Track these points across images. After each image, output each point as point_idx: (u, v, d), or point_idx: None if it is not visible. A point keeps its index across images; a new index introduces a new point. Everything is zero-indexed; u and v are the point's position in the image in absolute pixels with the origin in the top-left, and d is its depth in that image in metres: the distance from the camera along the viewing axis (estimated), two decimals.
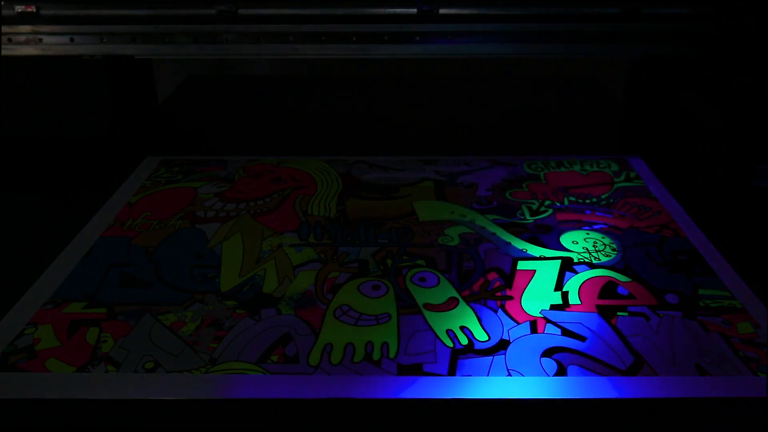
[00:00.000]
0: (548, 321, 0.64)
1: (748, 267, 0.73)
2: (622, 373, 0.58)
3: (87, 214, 0.84)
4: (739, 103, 0.90)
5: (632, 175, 0.95)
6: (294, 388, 0.56)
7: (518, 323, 0.64)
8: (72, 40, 0.98)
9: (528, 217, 0.84)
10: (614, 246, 0.77)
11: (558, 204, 0.87)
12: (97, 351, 0.60)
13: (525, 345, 0.61)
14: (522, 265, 0.73)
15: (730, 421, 0.55)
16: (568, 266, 0.73)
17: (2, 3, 0.96)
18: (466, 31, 0.98)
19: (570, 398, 0.56)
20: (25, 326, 0.64)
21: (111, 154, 1.01)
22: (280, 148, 1.04)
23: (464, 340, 0.62)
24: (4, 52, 0.97)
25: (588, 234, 0.80)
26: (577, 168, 0.97)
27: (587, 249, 0.76)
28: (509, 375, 0.58)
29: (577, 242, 0.78)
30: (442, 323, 0.64)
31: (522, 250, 0.76)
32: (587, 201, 0.87)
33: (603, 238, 0.79)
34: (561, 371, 0.58)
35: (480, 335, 0.62)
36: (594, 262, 0.74)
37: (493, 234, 0.79)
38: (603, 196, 0.89)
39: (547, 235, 0.79)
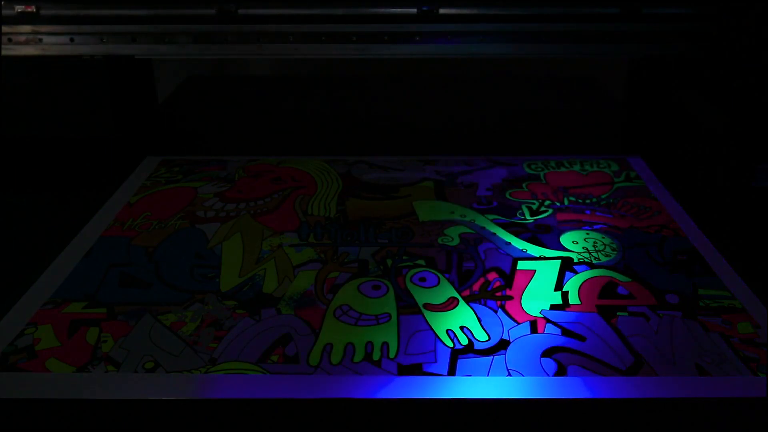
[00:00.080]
0: (548, 321, 0.64)
1: (748, 267, 0.73)
2: (622, 373, 0.58)
3: (87, 214, 0.84)
4: (739, 103, 0.90)
5: (632, 175, 0.95)
6: (294, 388, 0.56)
7: (518, 323, 0.64)
8: (72, 40, 0.98)
9: (528, 217, 0.84)
10: (614, 246, 0.77)
11: (558, 204, 0.87)
12: (97, 351, 0.60)
13: (525, 345, 0.61)
14: (522, 265, 0.73)
15: (730, 421, 0.55)
16: (568, 266, 0.73)
17: (2, 3, 0.96)
18: (466, 31, 0.98)
19: (570, 398, 0.56)
20: (25, 326, 0.64)
21: (111, 154, 1.01)
22: (280, 148, 1.04)
23: (464, 340, 0.62)
24: (4, 52, 0.97)
25: (588, 234, 0.80)
26: (577, 168, 0.97)
27: (587, 249, 0.76)
28: (509, 375, 0.58)
29: (577, 242, 0.78)
30: (442, 323, 0.64)
31: (522, 250, 0.76)
32: (587, 201, 0.87)
33: (603, 238, 0.79)
34: (561, 371, 0.58)
35: (480, 335, 0.62)
36: (594, 262, 0.74)
37: (493, 234, 0.79)
38: (603, 196, 0.89)
39: (547, 235, 0.79)
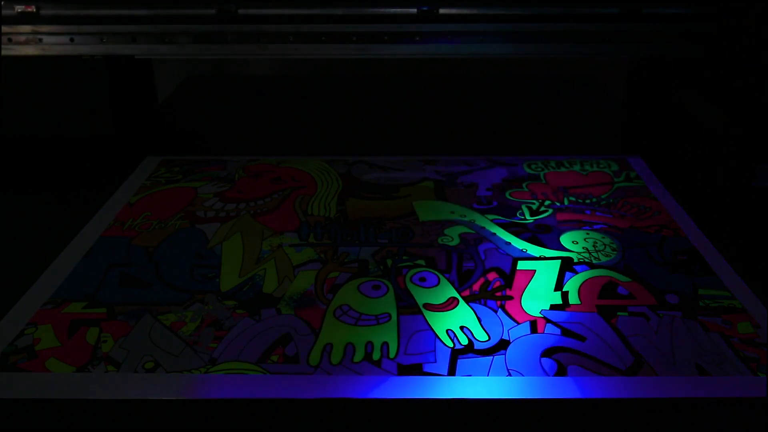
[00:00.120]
0: (548, 321, 0.64)
1: (748, 267, 0.73)
2: (622, 373, 0.58)
3: (87, 214, 0.84)
4: (739, 103, 0.90)
5: (632, 175, 0.95)
6: (294, 388, 0.56)
7: (518, 323, 0.64)
8: (72, 40, 0.98)
9: (528, 217, 0.84)
10: (614, 246, 0.77)
11: (558, 204, 0.87)
12: (97, 351, 0.60)
13: (525, 345, 0.61)
14: (522, 265, 0.73)
15: (730, 421, 0.55)
16: (568, 266, 0.73)
17: (2, 3, 0.96)
18: (466, 31, 0.98)
19: (570, 398, 0.56)
20: (25, 326, 0.64)
21: (111, 154, 1.01)
22: (280, 148, 1.04)
23: (464, 340, 0.62)
24: (4, 52, 0.97)
25: (588, 234, 0.80)
26: (577, 168, 0.97)
27: (587, 249, 0.76)
28: (509, 375, 0.58)
29: (577, 242, 0.78)
30: (442, 323, 0.64)
31: (522, 250, 0.76)
32: (587, 201, 0.87)
33: (603, 238, 0.79)
34: (561, 371, 0.58)
35: (480, 335, 0.62)
36: (594, 262, 0.74)
37: (493, 234, 0.79)
38: (603, 196, 0.89)
39: (547, 235, 0.79)
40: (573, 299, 0.68)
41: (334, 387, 0.57)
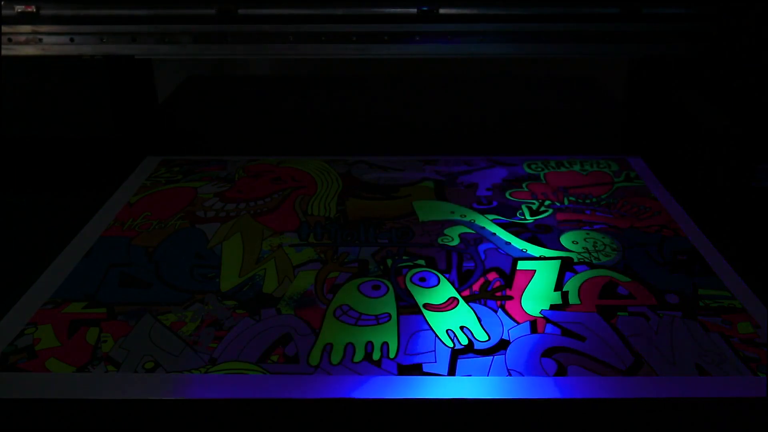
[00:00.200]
0: (548, 321, 0.64)
1: (748, 267, 0.73)
2: (622, 373, 0.58)
3: (87, 214, 0.84)
4: (739, 103, 0.90)
5: (632, 175, 0.95)
6: (294, 388, 0.56)
7: (518, 323, 0.64)
8: (72, 40, 0.98)
9: (528, 217, 0.84)
10: (614, 246, 0.77)
11: (558, 204, 0.87)
12: (97, 351, 0.60)
13: (525, 345, 0.61)
14: (522, 265, 0.73)
15: (730, 421, 0.55)
16: (568, 266, 0.73)
17: (2, 3, 0.96)
18: (466, 31, 0.98)
19: (570, 398, 0.56)
20: (25, 326, 0.64)
21: (111, 154, 1.01)
22: (280, 148, 1.04)
23: (464, 340, 0.62)
24: (4, 52, 0.97)
25: (588, 234, 0.80)
26: (577, 168, 0.97)
27: (587, 249, 0.76)
28: (509, 375, 0.58)
29: (577, 242, 0.78)
30: (442, 323, 0.64)
31: (522, 250, 0.76)
32: (587, 201, 0.87)
33: (603, 238, 0.79)
34: (561, 371, 0.58)
35: (480, 335, 0.62)
36: (594, 262, 0.74)
37: (493, 234, 0.79)
38: (603, 196, 0.89)
39: (547, 235, 0.79)
40: (573, 299, 0.68)
41: (334, 387, 0.57)
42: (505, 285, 0.70)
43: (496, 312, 0.65)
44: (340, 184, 0.92)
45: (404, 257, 0.75)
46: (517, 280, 0.71)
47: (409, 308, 0.66)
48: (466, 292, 0.68)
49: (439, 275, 0.71)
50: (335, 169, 0.96)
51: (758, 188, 0.86)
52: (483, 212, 0.84)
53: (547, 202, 0.87)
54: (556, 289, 0.69)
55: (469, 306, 0.66)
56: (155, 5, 0.97)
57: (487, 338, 0.62)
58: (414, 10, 0.98)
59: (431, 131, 1.14)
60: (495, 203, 0.87)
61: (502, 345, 0.61)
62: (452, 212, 0.84)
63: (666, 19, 0.98)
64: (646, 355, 0.60)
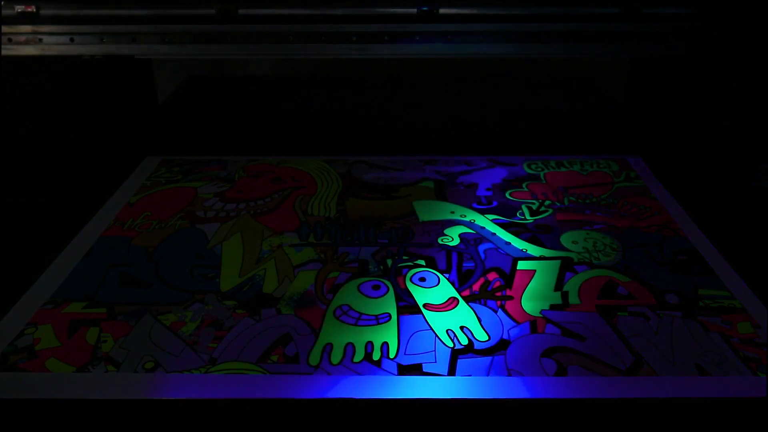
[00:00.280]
0: (548, 321, 0.64)
1: (748, 267, 0.73)
2: (622, 373, 0.58)
3: (87, 214, 0.84)
4: (739, 103, 0.90)
5: (632, 175, 0.95)
6: (294, 388, 0.56)
7: (518, 323, 0.64)
8: (72, 40, 0.98)
9: (528, 217, 0.84)
10: (614, 246, 0.77)
11: (558, 204, 0.87)
12: (97, 351, 0.60)
13: (525, 345, 0.61)
14: (522, 265, 0.73)
15: (730, 421, 0.55)
16: (568, 266, 0.73)
17: (2, 3, 0.96)
18: (466, 31, 0.98)
19: (570, 398, 0.56)
20: (25, 326, 0.64)
21: (111, 154, 1.01)
22: (280, 148, 1.04)
23: (464, 340, 0.62)
24: (4, 52, 0.97)
25: (588, 234, 0.80)
26: (577, 168, 0.97)
27: (587, 249, 0.76)
28: (509, 375, 0.58)
29: (577, 242, 0.78)
30: (442, 323, 0.64)
31: (522, 250, 0.76)
32: (587, 201, 0.87)
33: (603, 238, 0.79)
34: (561, 371, 0.58)
35: (480, 335, 0.62)
36: (594, 262, 0.74)
37: (493, 234, 0.79)
38: (603, 196, 0.89)
39: (547, 235, 0.79)
40: (573, 299, 0.68)
41: (334, 387, 0.57)
42: (505, 285, 0.70)
43: (496, 312, 0.65)
44: (340, 184, 0.92)
45: (404, 257, 0.75)
46: (517, 280, 0.71)
47: (409, 308, 0.66)
48: (466, 292, 0.68)
49: (439, 275, 0.71)
50: (335, 169, 0.96)
51: (758, 188, 0.86)
52: (483, 212, 0.84)
53: (547, 202, 0.87)
54: (556, 289, 0.69)
55: (469, 306, 0.66)
56: (155, 5, 0.97)
57: (487, 338, 0.62)
58: (414, 10, 0.98)
59: (431, 131, 1.14)
60: (495, 203, 0.87)
61: (502, 345, 0.61)
62: (452, 212, 0.84)
63: (666, 19, 0.98)
64: (646, 355, 0.60)
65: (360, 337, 0.62)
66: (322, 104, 1.28)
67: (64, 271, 0.72)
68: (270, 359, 0.59)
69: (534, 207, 0.86)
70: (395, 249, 0.76)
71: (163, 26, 0.98)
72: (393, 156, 1.01)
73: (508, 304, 0.67)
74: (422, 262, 0.74)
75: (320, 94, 1.34)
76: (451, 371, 0.58)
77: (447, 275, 0.71)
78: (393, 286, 0.69)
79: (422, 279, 0.71)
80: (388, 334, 0.62)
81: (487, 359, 0.59)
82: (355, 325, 0.64)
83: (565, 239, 0.78)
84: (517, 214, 0.84)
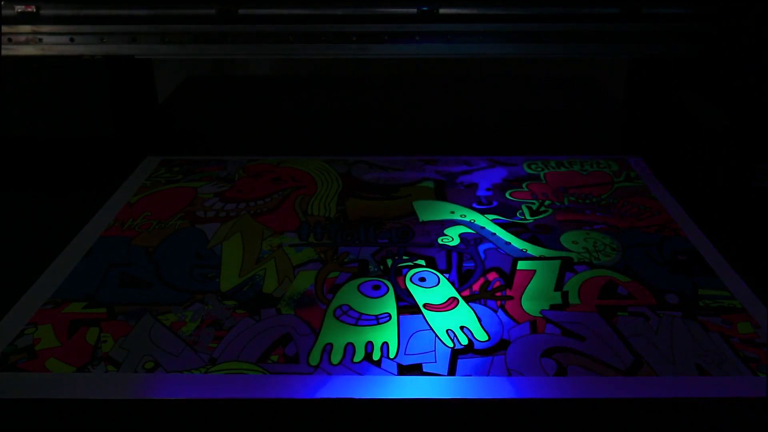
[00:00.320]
0: (548, 321, 0.64)
1: (748, 267, 0.73)
2: (622, 373, 0.58)
3: (87, 214, 0.84)
4: (739, 103, 0.90)
5: (632, 175, 0.95)
6: (294, 388, 0.56)
7: (518, 323, 0.64)
8: (72, 40, 0.98)
9: (528, 217, 0.84)
10: (614, 246, 0.77)
11: (558, 204, 0.87)
12: (97, 351, 0.60)
13: (525, 345, 0.61)
14: (522, 265, 0.73)
15: (730, 421, 0.55)
16: (568, 266, 0.73)
17: (2, 3, 0.96)
18: (466, 31, 0.98)
19: (570, 398, 0.56)
20: (25, 326, 0.64)
21: (111, 154, 1.01)
22: (280, 148, 1.04)
23: (464, 340, 0.62)
24: (4, 52, 0.97)
25: (588, 234, 0.80)
26: (577, 168, 0.97)
27: (587, 249, 0.76)
28: (509, 375, 0.58)
29: (577, 242, 0.78)
30: (442, 323, 0.64)
31: (522, 250, 0.76)
32: (587, 201, 0.87)
33: (603, 238, 0.79)
34: (561, 371, 0.58)
35: (480, 335, 0.62)
36: (594, 262, 0.74)
37: (493, 234, 0.79)
38: (603, 196, 0.89)
39: (547, 235, 0.79)
40: (573, 299, 0.68)
41: (334, 387, 0.57)
42: (505, 285, 0.70)
43: (496, 312, 0.65)
44: (340, 184, 0.92)
45: (404, 257, 0.75)
46: (517, 280, 0.71)
47: (409, 308, 0.66)
48: (466, 292, 0.68)
49: (439, 275, 0.71)
50: (335, 169, 0.96)
51: (758, 188, 0.86)
52: (483, 212, 0.84)
53: (547, 202, 0.87)
54: (556, 289, 0.69)
55: (469, 306, 0.66)
56: (155, 5, 0.97)
57: (487, 338, 0.62)
58: (414, 10, 0.98)
59: (431, 131, 1.14)
60: (495, 203, 0.87)
61: (502, 345, 0.61)
62: (452, 212, 0.84)
63: (666, 19, 0.98)
64: (646, 355, 0.60)
65: (360, 337, 0.62)
66: (322, 104, 1.28)
67: (64, 271, 0.72)
68: (270, 359, 0.59)
69: (534, 207, 0.86)
70: (395, 249, 0.76)
71: (163, 26, 0.98)
72: (393, 156, 1.01)
73: (508, 304, 0.67)
74: (422, 262, 0.74)
75: (320, 94, 1.34)
76: (451, 371, 0.58)
77: (447, 275, 0.71)
78: (393, 286, 0.69)
79: (422, 279, 0.71)
80: (388, 334, 0.62)
81: (487, 359, 0.59)
82: (355, 325, 0.64)
83: (565, 239, 0.78)
84: (517, 214, 0.84)
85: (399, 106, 1.28)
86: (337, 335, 0.62)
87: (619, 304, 0.67)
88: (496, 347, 0.61)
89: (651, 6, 0.97)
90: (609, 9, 0.97)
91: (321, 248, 0.77)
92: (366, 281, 0.70)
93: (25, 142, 1.01)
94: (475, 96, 1.33)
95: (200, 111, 1.27)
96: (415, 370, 0.58)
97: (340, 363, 0.59)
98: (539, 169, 0.96)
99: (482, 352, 0.60)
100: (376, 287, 0.69)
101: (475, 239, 0.78)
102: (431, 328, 0.63)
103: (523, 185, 0.92)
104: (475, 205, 0.86)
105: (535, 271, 0.72)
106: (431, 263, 0.73)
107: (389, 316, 0.65)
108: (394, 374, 0.58)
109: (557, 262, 0.74)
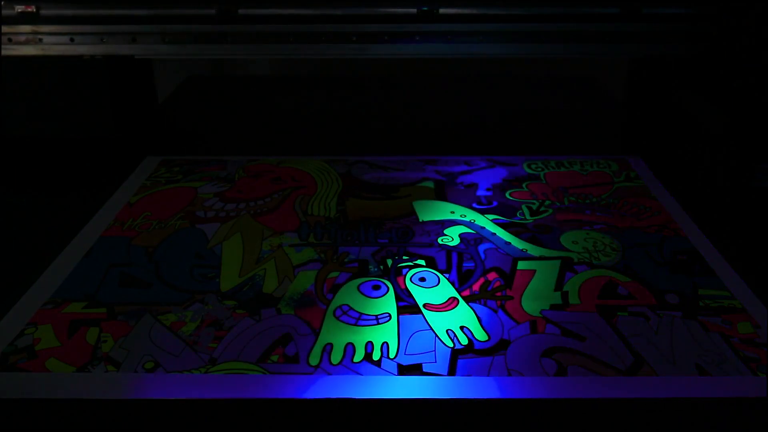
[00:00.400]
0: (548, 321, 0.64)
1: (748, 267, 0.73)
2: (622, 373, 0.58)
3: (87, 214, 0.84)
4: (739, 103, 0.90)
5: (632, 175, 0.95)
6: (294, 388, 0.56)
7: (518, 323, 0.64)
8: (72, 40, 0.98)
9: (528, 217, 0.84)
10: (614, 246, 0.77)
11: (558, 204, 0.87)
12: (97, 351, 0.60)
13: (525, 345, 0.61)
14: (522, 265, 0.73)
15: (730, 421, 0.55)
16: (568, 266, 0.73)
17: (2, 3, 0.96)
18: (466, 31, 0.98)
19: (570, 398, 0.56)
20: (25, 326, 0.64)
21: (111, 154, 1.01)
22: (280, 148, 1.04)
23: (464, 340, 0.62)
24: (4, 52, 0.97)
25: (588, 234, 0.80)
26: (577, 168, 0.97)
27: (587, 249, 0.76)
28: (509, 375, 0.58)
29: (577, 242, 0.78)
30: (442, 323, 0.64)
31: (522, 250, 0.76)
32: (587, 201, 0.87)
33: (603, 238, 0.79)
34: (561, 371, 0.58)
35: (480, 335, 0.62)
36: (594, 262, 0.74)
37: (493, 234, 0.79)
38: (603, 196, 0.89)
39: (547, 235, 0.79)
40: (573, 299, 0.68)
41: (334, 387, 0.57)
42: (505, 285, 0.70)
43: (496, 312, 0.65)
44: (340, 184, 0.92)
45: (404, 257, 0.75)
46: (517, 280, 0.71)
47: (409, 308, 0.66)
48: (466, 292, 0.68)
49: (439, 275, 0.71)
50: (335, 169, 0.96)
51: (758, 188, 0.86)
52: (483, 212, 0.84)
53: (547, 202, 0.87)
54: (556, 289, 0.69)
55: (469, 306, 0.66)
56: (155, 5, 0.97)
57: (487, 338, 0.62)
58: (414, 10, 0.98)
59: (431, 131, 1.14)
60: (495, 203, 0.87)
61: (502, 345, 0.61)
62: (452, 212, 0.84)
63: (666, 19, 0.98)
64: (646, 355, 0.60)
65: (360, 337, 0.62)
66: (322, 104, 1.28)
67: (64, 271, 0.72)
68: (270, 359, 0.59)
69: (534, 207, 0.86)
70: (395, 249, 0.76)
71: (163, 26, 0.98)
72: (393, 156, 1.01)
73: (508, 304, 0.67)
74: (422, 262, 0.74)
75: (320, 94, 1.35)
76: (451, 371, 0.58)
77: (447, 275, 0.71)
78: (393, 286, 0.69)
79: (422, 279, 0.71)
80: (388, 334, 0.62)
81: (487, 359, 0.59)
82: (355, 325, 0.64)
83: (565, 239, 0.78)
84: (517, 214, 0.84)
85: (399, 106, 1.28)
86: (337, 335, 0.62)
87: (619, 304, 0.67)
88: (496, 347, 0.61)
89: (651, 6, 0.97)
90: (609, 9, 0.97)
91: (321, 248, 0.77)
92: (366, 281, 0.70)
93: (25, 142, 1.01)
94: (475, 96, 1.33)
95: (200, 111, 1.27)
96: (415, 370, 0.58)
97: (340, 363, 0.59)
98: (539, 169, 0.96)
99: (482, 352, 0.60)
100: (376, 287, 0.69)
101: (475, 239, 0.78)
102: (431, 328, 0.63)
103: (523, 185, 0.92)
104: (475, 205, 0.86)
105: (535, 271, 0.72)
106: (431, 263, 0.73)
107: (389, 316, 0.65)
108: (394, 374, 0.58)
109: (557, 262, 0.74)
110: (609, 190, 0.91)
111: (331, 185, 0.92)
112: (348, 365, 0.59)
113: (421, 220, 0.82)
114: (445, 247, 0.77)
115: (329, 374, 0.58)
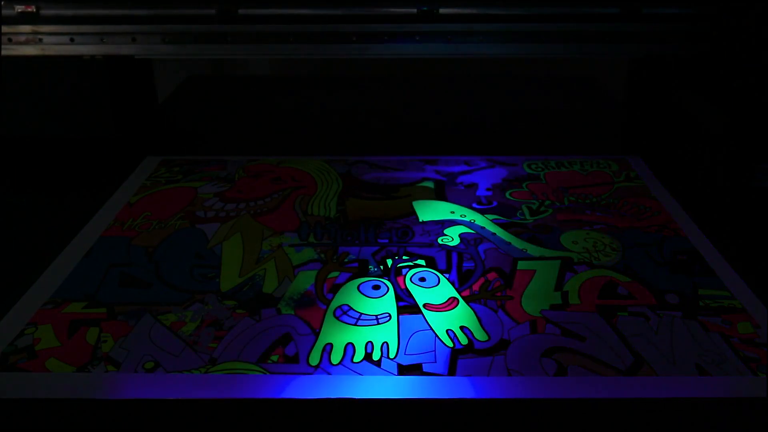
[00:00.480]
0: (548, 321, 0.64)
1: (748, 267, 0.73)
2: (622, 373, 0.58)
3: (87, 214, 0.84)
4: (739, 103, 0.90)
5: (632, 175, 0.95)
6: (294, 388, 0.56)
7: (518, 323, 0.64)
8: (72, 40, 0.98)
9: (528, 217, 0.84)
10: (614, 246, 0.77)
11: (558, 204, 0.87)
12: (97, 351, 0.60)
13: (525, 345, 0.61)
14: (522, 265, 0.73)
15: (730, 421, 0.55)
16: (568, 266, 0.73)
17: (2, 3, 0.96)
18: (466, 31, 0.98)
19: (570, 398, 0.56)
20: (25, 326, 0.64)
21: (111, 154, 1.01)
22: (280, 148, 1.04)
23: (464, 340, 0.62)
24: (4, 52, 0.97)
25: (588, 234, 0.80)
26: (577, 168, 0.97)
27: (587, 249, 0.76)
28: (509, 375, 0.58)
29: (577, 242, 0.78)
30: (442, 323, 0.64)
31: (522, 250, 0.76)
32: (587, 201, 0.87)
33: (603, 238, 0.79)
34: (561, 371, 0.58)
35: (480, 335, 0.62)
36: (594, 262, 0.74)
37: (493, 234, 0.79)
38: (603, 196, 0.89)
39: (547, 235, 0.79)
40: (573, 299, 0.68)
41: (334, 387, 0.57)
42: (505, 285, 0.70)
43: (496, 312, 0.65)
44: (340, 184, 0.92)
45: (404, 257, 0.75)
46: (517, 280, 0.71)
47: (409, 308, 0.66)
48: (466, 292, 0.68)
49: (439, 275, 0.71)
50: (335, 169, 0.96)
51: (758, 188, 0.86)
52: (483, 212, 0.84)
53: (547, 202, 0.87)
54: (556, 289, 0.69)
55: (469, 306, 0.66)
56: (155, 5, 0.97)
57: (487, 338, 0.62)
58: (414, 10, 0.98)
59: (431, 131, 1.14)
60: (495, 203, 0.87)
61: (502, 345, 0.61)
62: (452, 212, 0.84)
63: (666, 19, 0.98)
64: (646, 355, 0.60)
65: (360, 337, 0.62)
66: (322, 104, 1.28)
67: (64, 271, 0.72)
68: (270, 359, 0.59)
69: (534, 207, 0.86)
70: (395, 249, 0.76)
71: (163, 26, 0.98)
72: (393, 156, 1.01)
73: (508, 304, 0.67)
74: (422, 262, 0.74)
75: (320, 94, 1.35)
76: (451, 371, 0.58)
77: (447, 275, 0.71)
78: (393, 286, 0.69)
79: (422, 279, 0.71)
80: (388, 334, 0.62)
81: (487, 359, 0.59)
82: (355, 325, 0.64)
83: (565, 239, 0.78)
84: (517, 214, 0.84)
85: (399, 106, 1.28)
86: (337, 335, 0.62)
87: (619, 304, 0.67)
88: (496, 347, 0.61)
89: (651, 6, 0.97)
90: (609, 9, 0.97)
91: (321, 248, 0.77)
92: (366, 281, 0.70)
93: (26, 142, 1.01)
94: (475, 96, 1.33)
95: (200, 111, 1.27)
96: (415, 370, 0.58)
97: (340, 363, 0.59)
98: (539, 169, 0.96)
99: (482, 352, 0.60)
100: (376, 287, 0.69)
101: (475, 239, 0.78)
102: (431, 328, 0.63)
103: (523, 185, 0.92)
104: (475, 205, 0.86)
105: (535, 271, 0.72)
106: (431, 263, 0.73)
107: (389, 316, 0.65)
108: (394, 374, 0.58)
109: (557, 262, 0.74)
110: (609, 190, 0.91)
111: (331, 185, 0.92)
112: (348, 365, 0.59)
113: (421, 220, 0.82)
114: (445, 247, 0.77)
115: (329, 374, 0.58)
